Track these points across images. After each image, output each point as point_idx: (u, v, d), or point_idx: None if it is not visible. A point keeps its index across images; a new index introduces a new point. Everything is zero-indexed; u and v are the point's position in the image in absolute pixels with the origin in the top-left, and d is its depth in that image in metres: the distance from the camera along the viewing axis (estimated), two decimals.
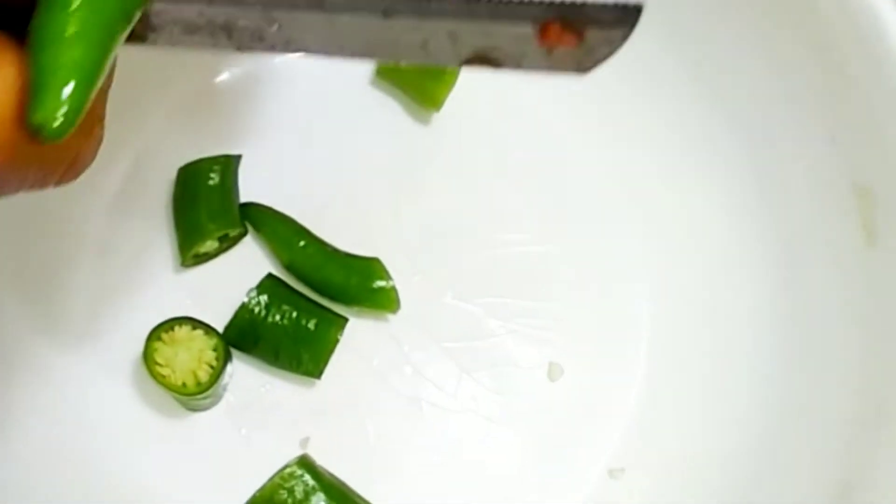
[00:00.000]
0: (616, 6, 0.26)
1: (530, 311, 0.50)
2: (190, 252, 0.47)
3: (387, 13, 0.26)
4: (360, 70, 0.52)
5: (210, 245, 0.47)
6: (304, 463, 0.46)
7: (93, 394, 0.47)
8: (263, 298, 0.46)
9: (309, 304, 0.47)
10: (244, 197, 0.49)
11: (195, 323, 0.45)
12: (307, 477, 0.46)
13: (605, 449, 0.49)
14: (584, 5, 0.25)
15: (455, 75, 0.49)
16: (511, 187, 0.51)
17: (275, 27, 0.27)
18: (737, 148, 0.49)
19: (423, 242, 0.50)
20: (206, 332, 0.45)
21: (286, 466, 0.46)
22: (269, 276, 0.47)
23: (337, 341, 0.47)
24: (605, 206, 0.51)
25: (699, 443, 0.48)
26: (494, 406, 0.49)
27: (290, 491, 0.45)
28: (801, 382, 0.46)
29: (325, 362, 0.47)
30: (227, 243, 0.48)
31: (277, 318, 0.46)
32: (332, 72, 0.51)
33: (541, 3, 0.26)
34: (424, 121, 0.52)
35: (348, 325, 0.47)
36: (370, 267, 0.48)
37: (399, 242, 0.50)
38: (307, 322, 0.46)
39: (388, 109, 0.52)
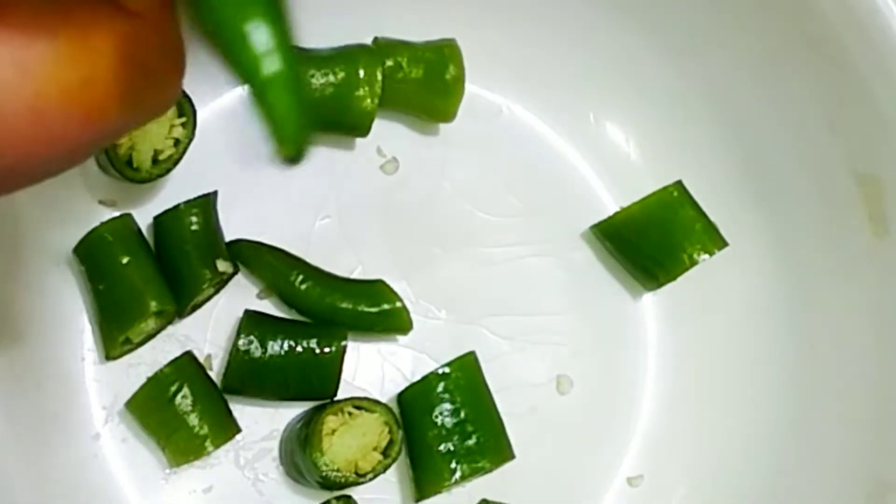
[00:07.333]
0: None
1: (533, 326, 0.49)
2: (190, 304, 0.44)
3: None
4: None
5: (206, 293, 0.45)
6: None
7: None
8: (254, 336, 0.44)
9: (301, 326, 0.45)
10: (228, 234, 0.46)
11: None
12: None
13: (622, 457, 0.48)
14: None
15: (462, 84, 0.47)
16: (505, 199, 0.50)
17: None
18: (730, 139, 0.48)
19: (416, 263, 0.48)
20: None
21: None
22: (247, 312, 0.44)
23: (343, 352, 0.44)
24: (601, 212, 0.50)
25: (718, 444, 0.48)
26: (508, 424, 0.47)
27: None
28: (818, 381, 0.45)
29: (338, 380, 0.44)
30: (220, 285, 0.45)
31: (276, 349, 0.44)
32: None
33: None
34: (423, 137, 0.49)
35: (348, 360, 0.45)
36: (376, 290, 0.46)
37: (391, 265, 0.48)
38: (308, 343, 0.44)
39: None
